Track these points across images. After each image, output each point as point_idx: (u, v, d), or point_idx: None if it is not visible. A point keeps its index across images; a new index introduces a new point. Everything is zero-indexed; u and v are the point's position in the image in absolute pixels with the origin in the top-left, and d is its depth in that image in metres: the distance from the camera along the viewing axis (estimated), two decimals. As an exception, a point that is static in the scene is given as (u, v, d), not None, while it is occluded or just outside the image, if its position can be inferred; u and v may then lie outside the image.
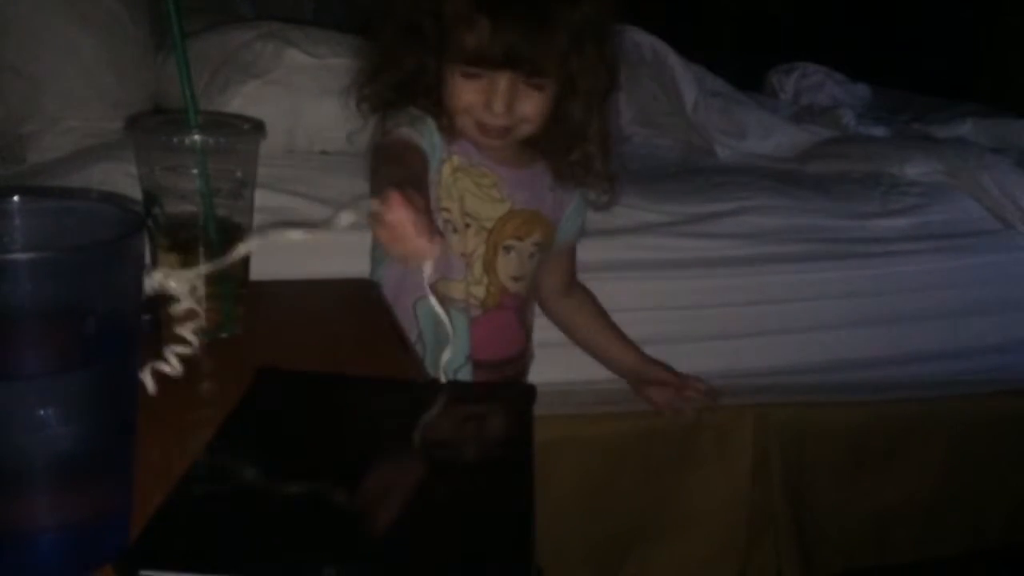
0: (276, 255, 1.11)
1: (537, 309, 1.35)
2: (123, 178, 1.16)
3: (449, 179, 1.11)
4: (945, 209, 1.75)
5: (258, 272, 1.05)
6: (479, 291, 1.15)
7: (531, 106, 1.05)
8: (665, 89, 2.17)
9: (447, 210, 1.12)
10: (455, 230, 1.12)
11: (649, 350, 1.43)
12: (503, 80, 1.02)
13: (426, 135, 1.09)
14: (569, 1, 1.02)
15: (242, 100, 1.38)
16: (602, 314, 1.38)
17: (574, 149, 1.11)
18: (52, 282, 0.50)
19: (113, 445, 0.56)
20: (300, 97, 1.40)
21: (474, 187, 1.12)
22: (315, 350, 0.93)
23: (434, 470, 0.67)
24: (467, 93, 1.04)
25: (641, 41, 2.22)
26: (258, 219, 1.16)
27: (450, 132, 1.10)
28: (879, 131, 2.23)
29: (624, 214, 1.57)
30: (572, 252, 1.34)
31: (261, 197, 1.21)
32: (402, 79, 1.08)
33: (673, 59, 2.17)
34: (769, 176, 1.82)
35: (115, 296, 0.54)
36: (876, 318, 1.66)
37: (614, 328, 1.39)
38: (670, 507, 1.55)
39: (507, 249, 1.14)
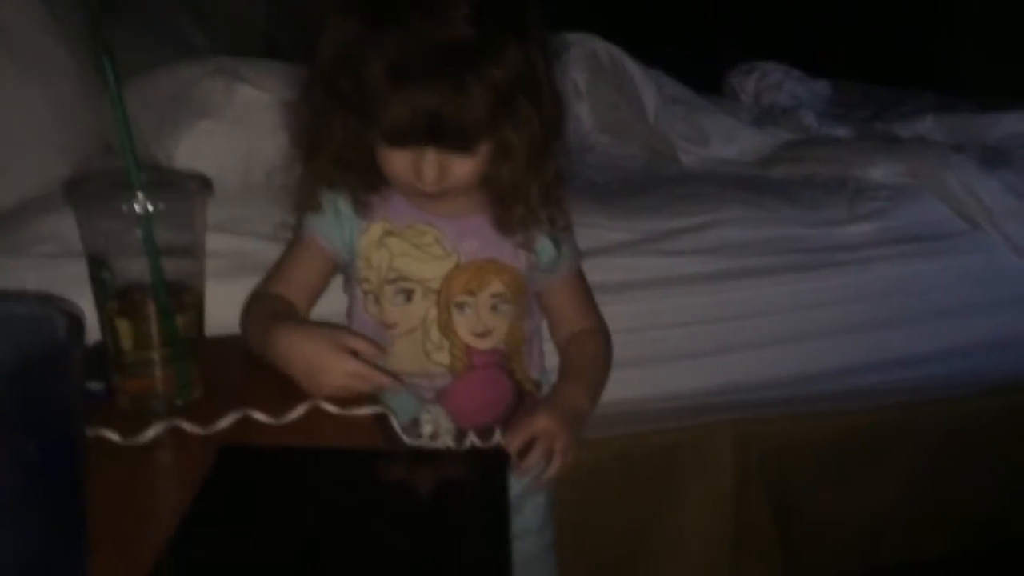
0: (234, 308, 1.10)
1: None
2: (74, 230, 1.12)
3: (371, 247, 1.07)
4: (912, 212, 1.73)
5: (215, 326, 1.02)
6: (442, 357, 1.07)
7: (465, 169, 0.98)
8: (625, 97, 2.14)
9: (367, 280, 1.07)
10: (376, 300, 1.07)
11: (618, 373, 1.40)
12: (430, 152, 0.96)
13: (326, 221, 1.07)
14: (490, 58, 0.92)
15: (194, 141, 1.34)
16: (578, 367, 1.19)
17: (514, 206, 1.04)
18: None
19: (58, 558, 0.53)
20: (254, 134, 1.36)
21: (412, 248, 1.06)
22: (280, 408, 0.89)
23: (406, 543, 0.65)
24: (396, 163, 0.98)
25: (598, 49, 2.20)
26: (218, 264, 1.13)
27: (370, 200, 1.06)
28: (842, 131, 2.22)
29: (589, 235, 1.54)
30: (565, 290, 1.20)
31: (219, 241, 1.18)
32: (336, 151, 1.02)
33: (631, 66, 2.14)
34: (734, 184, 1.79)
35: (54, 407, 0.51)
36: (848, 326, 1.64)
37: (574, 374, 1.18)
38: (652, 533, 1.53)
39: (460, 306, 1.07)
